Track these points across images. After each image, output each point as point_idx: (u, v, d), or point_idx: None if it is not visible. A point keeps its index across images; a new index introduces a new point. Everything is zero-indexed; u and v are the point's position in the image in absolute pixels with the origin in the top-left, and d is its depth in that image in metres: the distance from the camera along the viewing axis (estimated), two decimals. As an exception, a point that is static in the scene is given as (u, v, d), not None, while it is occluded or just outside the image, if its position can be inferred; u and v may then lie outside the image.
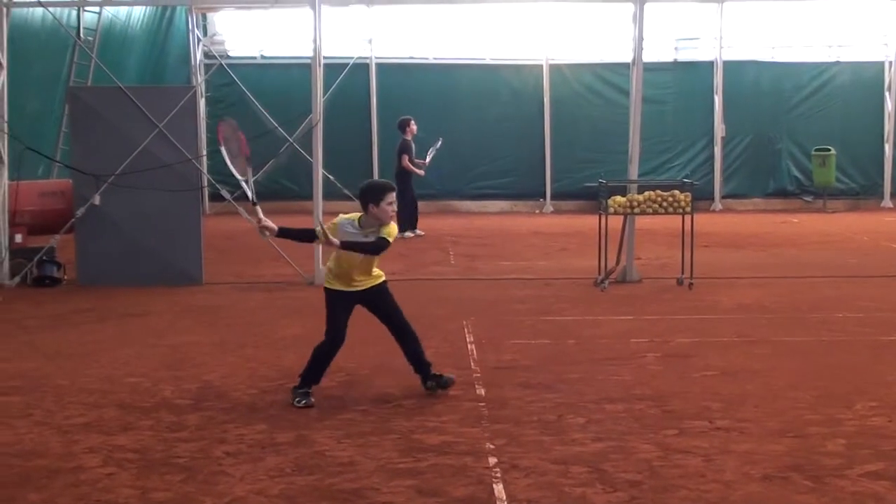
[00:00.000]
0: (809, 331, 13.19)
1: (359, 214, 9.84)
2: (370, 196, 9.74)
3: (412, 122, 25.15)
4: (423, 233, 24.87)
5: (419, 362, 10.27)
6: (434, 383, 10.17)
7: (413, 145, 25.07)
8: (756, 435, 8.65)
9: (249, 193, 10.39)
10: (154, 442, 8.66)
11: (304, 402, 9.70)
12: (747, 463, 7.89)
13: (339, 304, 9.96)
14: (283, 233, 9.97)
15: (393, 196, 9.82)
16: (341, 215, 9.98)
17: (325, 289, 10.02)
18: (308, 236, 9.97)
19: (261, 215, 9.96)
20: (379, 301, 10.18)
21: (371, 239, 9.73)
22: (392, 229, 9.81)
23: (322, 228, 9.66)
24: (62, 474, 7.83)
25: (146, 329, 13.73)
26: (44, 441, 8.70)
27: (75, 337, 13.28)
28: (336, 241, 9.61)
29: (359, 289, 9.98)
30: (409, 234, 23.96)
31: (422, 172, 25.00)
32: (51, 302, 15.89)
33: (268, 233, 9.95)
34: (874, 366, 11.23)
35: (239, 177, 10.51)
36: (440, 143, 25.25)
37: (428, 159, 24.94)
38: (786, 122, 32.44)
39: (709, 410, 9.44)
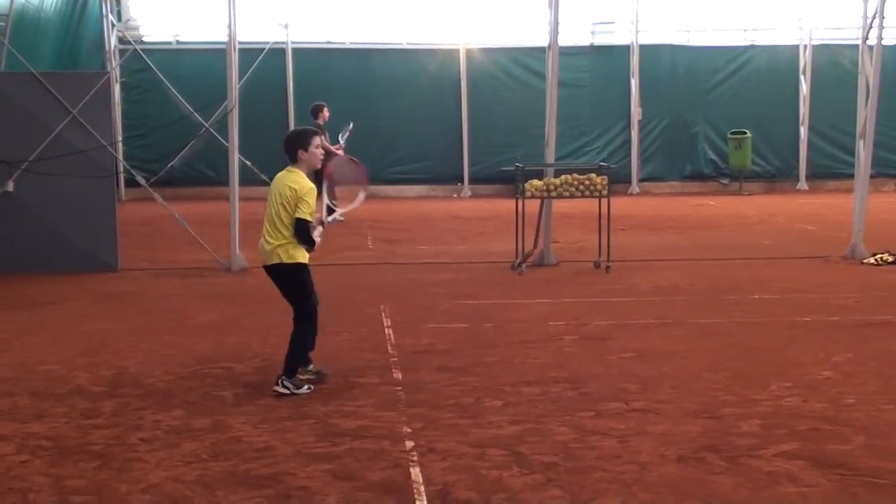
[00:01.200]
0: (725, 312, 13.32)
1: (300, 173, 9.77)
2: (298, 143, 9.81)
3: (325, 108, 25.04)
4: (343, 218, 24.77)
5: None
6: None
7: (325, 132, 24.97)
8: (672, 416, 8.73)
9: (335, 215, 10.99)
10: (68, 429, 8.58)
11: (306, 387, 9.66)
12: (663, 444, 7.96)
13: (309, 276, 9.95)
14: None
15: (318, 139, 9.93)
16: (303, 185, 9.68)
17: (299, 265, 9.83)
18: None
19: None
20: None
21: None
22: (306, 207, 9.65)
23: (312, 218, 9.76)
24: (-26, 463, 7.74)
25: (60, 316, 13.58)
26: (-45, 430, 8.60)
27: (-13, 325, 13.12)
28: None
29: None
30: (339, 217, 23.86)
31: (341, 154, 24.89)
32: (-38, 290, 15.68)
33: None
34: (789, 347, 11.37)
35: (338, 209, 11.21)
36: (351, 125, 25.12)
37: (342, 142, 24.81)
38: (702, 106, 32.69)
39: (625, 392, 9.51)
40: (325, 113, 24.97)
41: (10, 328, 12.83)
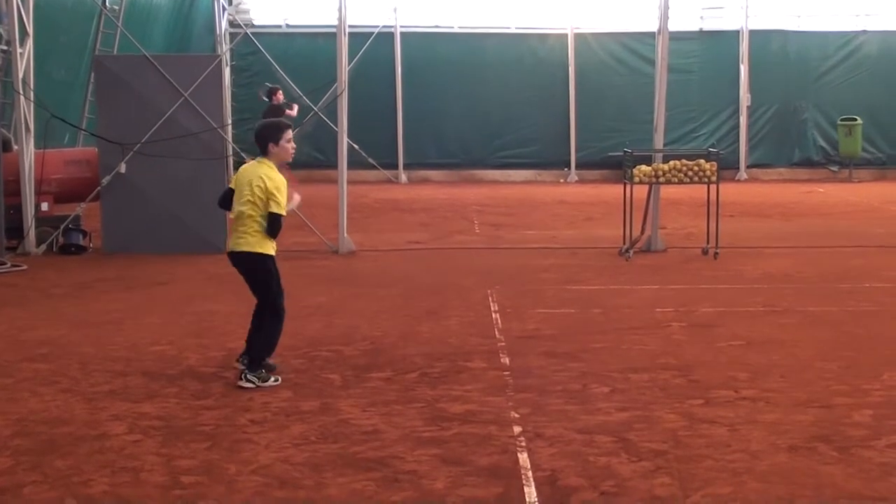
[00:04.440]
0: (836, 301, 13.13)
1: (272, 166, 9.61)
2: (269, 135, 9.66)
3: (279, 91, 25.30)
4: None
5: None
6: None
7: (281, 112, 25.14)
8: (782, 405, 8.62)
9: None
10: (179, 409, 8.69)
11: (274, 377, 9.47)
12: (773, 433, 7.86)
13: (275, 267, 9.75)
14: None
15: (290, 133, 9.77)
16: (274, 178, 9.53)
17: (266, 255, 9.64)
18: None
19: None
20: None
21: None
22: (279, 201, 9.51)
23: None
24: (88, 441, 7.86)
25: (171, 297, 13.76)
26: (70, 408, 8.73)
27: (100, 305, 13.32)
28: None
29: None
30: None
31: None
32: (76, 270, 15.94)
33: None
34: (901, 336, 11.18)
35: None
36: (295, 110, 25.37)
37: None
38: (812, 92, 32.21)
39: (735, 380, 9.41)
40: (280, 95, 25.29)
41: (123, 308, 13.03)
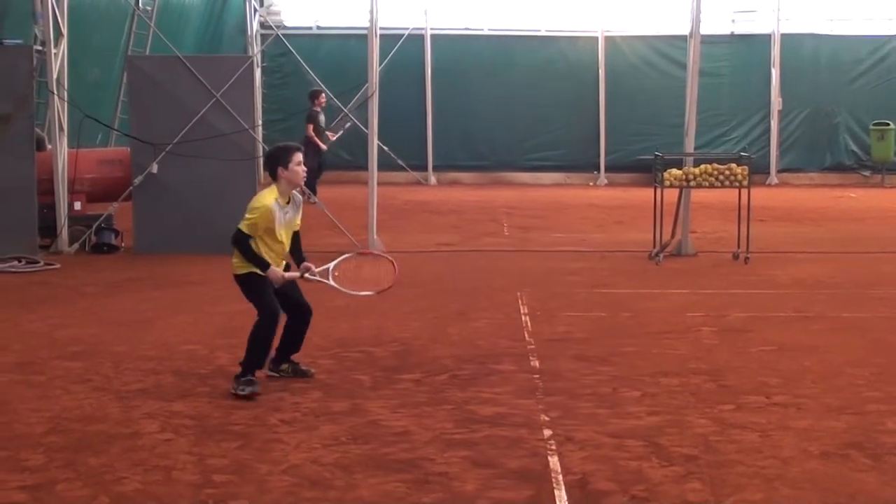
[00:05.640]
0: (868, 307, 13.09)
1: (273, 191, 9.35)
2: (278, 160, 9.39)
3: (322, 94, 25.14)
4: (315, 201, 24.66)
5: (296, 344, 9.79)
6: (289, 367, 9.75)
7: (321, 116, 25.05)
8: (814, 411, 8.59)
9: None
10: (210, 409, 8.72)
11: (249, 389, 9.08)
12: (805, 439, 7.84)
13: (266, 283, 9.36)
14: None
15: (300, 156, 9.47)
16: (260, 200, 9.32)
17: (248, 275, 9.38)
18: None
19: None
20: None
21: (291, 214, 9.51)
22: (247, 218, 9.29)
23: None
24: (120, 439, 7.89)
25: (202, 297, 13.80)
26: (102, 406, 8.77)
27: (132, 304, 13.38)
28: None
29: None
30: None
31: (324, 146, 24.90)
32: (108, 269, 16.02)
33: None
34: (933, 343, 11.14)
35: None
36: (349, 125, 25.29)
37: (334, 138, 24.95)
38: (844, 96, 32.07)
39: (766, 386, 9.39)
40: (322, 99, 25.14)
41: (154, 307, 13.09)
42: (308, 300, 9.72)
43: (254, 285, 9.42)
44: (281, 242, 9.45)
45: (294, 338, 9.73)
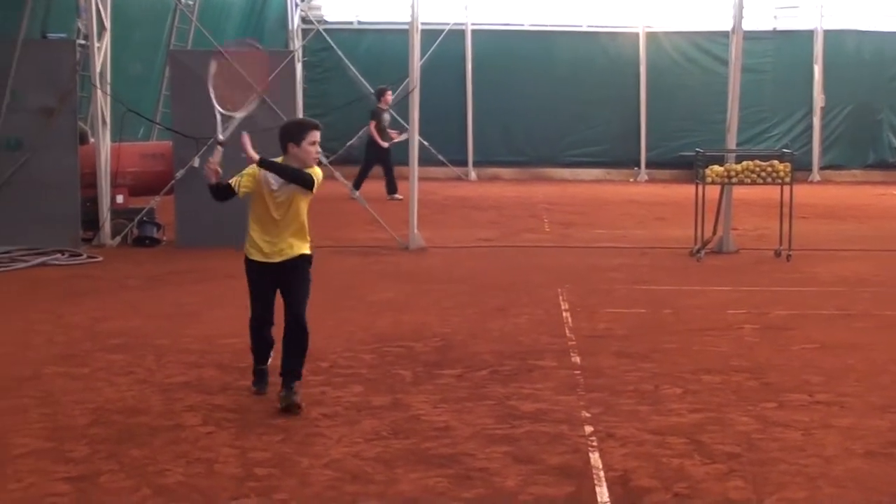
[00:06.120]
0: (912, 305, 13.01)
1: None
2: (289, 135, 8.64)
3: (388, 92, 25.13)
4: (400, 197, 24.63)
5: (284, 364, 8.71)
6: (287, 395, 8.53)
7: (385, 114, 25.05)
8: (857, 410, 8.54)
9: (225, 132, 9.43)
10: (252, 402, 8.76)
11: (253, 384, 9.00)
12: (849, 438, 7.80)
13: (251, 275, 8.88)
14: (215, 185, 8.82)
15: (316, 135, 8.62)
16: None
17: (245, 259, 8.91)
18: (226, 192, 8.80)
19: (218, 158, 8.95)
20: (292, 278, 8.81)
21: (284, 195, 8.66)
22: (316, 172, 8.66)
23: (237, 179, 8.76)
24: (163, 432, 7.94)
25: (243, 290, 13.75)
26: (145, 399, 8.83)
27: (174, 297, 13.45)
28: (255, 155, 8.55)
29: (277, 260, 8.75)
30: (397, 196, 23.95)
31: (385, 144, 24.87)
32: (150, 262, 16.09)
33: (211, 175, 8.78)
34: (979, 342, 11.05)
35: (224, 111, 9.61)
36: (405, 136, 25.42)
37: (396, 138, 24.94)
38: (887, 93, 31.80)
39: (808, 384, 9.34)
40: (388, 97, 25.11)
41: (197, 301, 13.17)
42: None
43: (246, 270, 8.95)
44: (275, 221, 8.66)
45: (283, 354, 8.78)
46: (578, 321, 11.95)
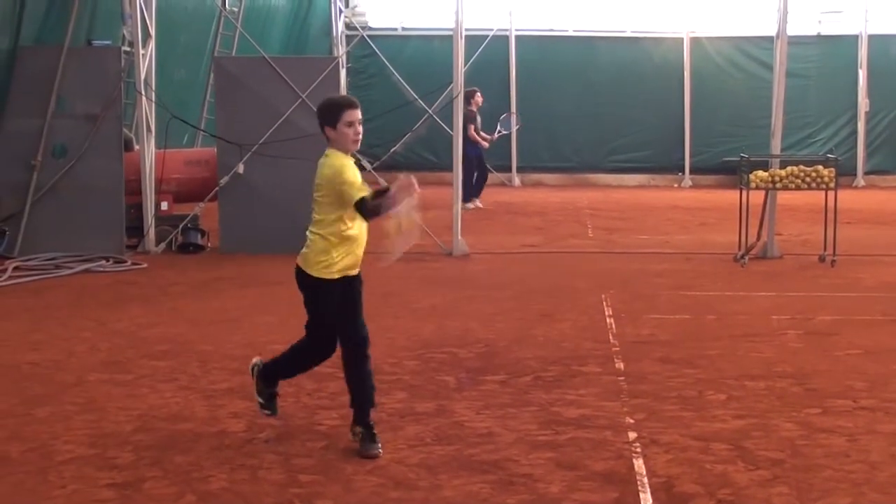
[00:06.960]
0: (958, 311, 12.91)
1: (337, 156, 7.92)
2: (324, 118, 7.91)
3: (478, 93, 25.09)
4: (482, 205, 24.62)
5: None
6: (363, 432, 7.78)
7: (478, 116, 25.06)
8: (902, 416, 8.51)
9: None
10: (296, 409, 8.80)
11: (261, 407, 8.35)
12: (894, 444, 7.76)
13: (330, 297, 8.04)
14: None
15: (353, 114, 7.85)
16: (331, 166, 7.89)
17: (317, 280, 7.96)
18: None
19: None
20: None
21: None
22: (346, 177, 7.80)
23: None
24: (207, 438, 8.00)
25: (287, 297, 13.74)
26: (189, 405, 8.88)
27: (218, 303, 13.52)
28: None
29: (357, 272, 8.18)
30: (469, 204, 23.68)
31: (485, 144, 24.91)
32: (194, 269, 16.18)
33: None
34: None
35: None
36: (514, 126, 25.41)
37: (495, 136, 24.92)
38: (933, 98, 31.57)
39: (853, 390, 9.29)
40: (478, 98, 25.09)
41: (241, 307, 13.22)
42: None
43: (317, 294, 8.04)
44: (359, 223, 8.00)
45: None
46: (622, 327, 11.93)
